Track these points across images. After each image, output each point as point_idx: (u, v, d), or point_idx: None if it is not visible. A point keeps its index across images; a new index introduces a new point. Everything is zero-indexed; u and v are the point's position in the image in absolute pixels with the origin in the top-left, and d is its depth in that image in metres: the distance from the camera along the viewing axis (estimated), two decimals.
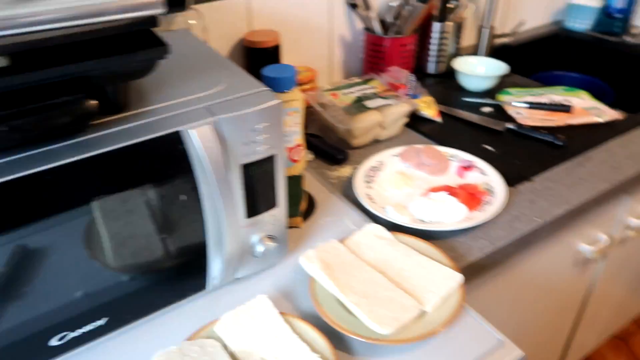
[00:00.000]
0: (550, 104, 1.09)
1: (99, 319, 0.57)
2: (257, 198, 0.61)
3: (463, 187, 0.82)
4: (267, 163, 0.58)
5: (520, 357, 0.56)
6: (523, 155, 0.95)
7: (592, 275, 1.16)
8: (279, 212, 0.64)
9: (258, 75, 0.79)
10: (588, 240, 1.04)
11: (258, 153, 0.56)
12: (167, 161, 0.52)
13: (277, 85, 0.77)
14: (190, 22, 0.91)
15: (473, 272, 0.74)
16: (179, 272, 0.61)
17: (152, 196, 0.53)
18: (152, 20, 0.46)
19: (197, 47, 0.70)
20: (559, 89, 1.16)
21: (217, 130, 0.52)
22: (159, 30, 0.51)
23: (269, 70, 0.78)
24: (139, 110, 0.53)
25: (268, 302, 0.61)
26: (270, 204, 0.63)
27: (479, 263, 0.73)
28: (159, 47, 0.48)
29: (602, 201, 0.88)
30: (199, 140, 0.51)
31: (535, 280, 1.00)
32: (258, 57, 0.97)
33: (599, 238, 1.05)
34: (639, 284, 1.43)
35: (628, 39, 1.46)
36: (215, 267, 0.63)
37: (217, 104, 0.54)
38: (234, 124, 0.53)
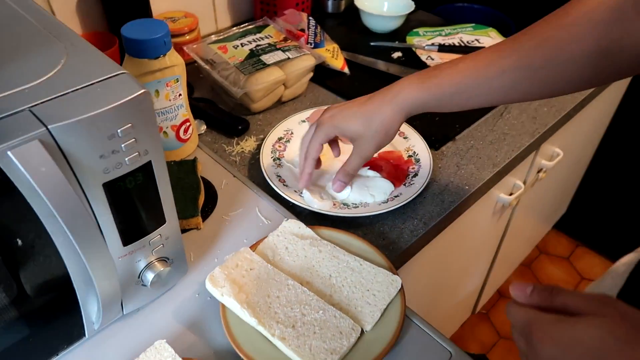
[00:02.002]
0: (463, 46, 1.00)
1: None
2: (136, 220, 0.44)
3: (386, 158, 0.71)
4: (140, 174, 0.41)
5: None
6: None
7: (507, 219, 1.16)
8: (169, 229, 0.48)
9: (119, 32, 0.59)
10: (506, 190, 1.01)
11: (125, 165, 0.39)
12: None
13: (145, 50, 0.58)
14: None
15: (406, 257, 0.65)
16: (43, 325, 0.45)
17: None
18: None
19: (21, 4, 0.48)
20: (468, 27, 1.07)
21: (52, 145, 0.34)
22: None
23: (131, 30, 0.58)
24: None
25: (168, 349, 0.47)
26: (156, 222, 0.47)
27: (412, 247, 0.64)
28: None
29: (525, 155, 0.82)
30: (20, 165, 0.32)
31: (459, 238, 0.95)
32: (118, 5, 0.75)
33: (515, 185, 1.02)
34: (542, 217, 1.49)
35: None
36: (91, 310, 0.47)
37: (49, 103, 0.35)
38: (80, 132, 0.35)
